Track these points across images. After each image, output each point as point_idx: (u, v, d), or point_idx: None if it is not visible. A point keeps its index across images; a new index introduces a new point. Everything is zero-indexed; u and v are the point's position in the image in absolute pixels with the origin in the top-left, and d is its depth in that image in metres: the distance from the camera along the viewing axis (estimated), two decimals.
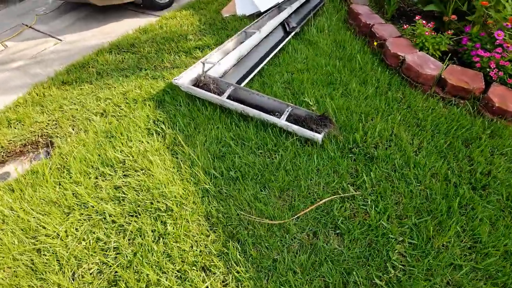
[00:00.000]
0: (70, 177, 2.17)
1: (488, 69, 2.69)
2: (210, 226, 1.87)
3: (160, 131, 2.47)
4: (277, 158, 2.22)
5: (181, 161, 2.23)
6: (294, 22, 3.73)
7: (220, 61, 2.88)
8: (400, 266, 1.74)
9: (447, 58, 2.89)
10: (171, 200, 1.97)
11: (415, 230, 1.89)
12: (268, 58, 3.08)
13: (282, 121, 2.35)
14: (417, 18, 3.11)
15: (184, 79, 2.71)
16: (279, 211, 1.93)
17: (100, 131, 2.49)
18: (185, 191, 2.03)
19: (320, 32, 3.61)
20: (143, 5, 4.25)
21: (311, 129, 2.31)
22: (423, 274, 1.71)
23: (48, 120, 2.67)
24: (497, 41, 2.72)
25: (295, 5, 3.84)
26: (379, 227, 1.89)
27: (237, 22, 3.82)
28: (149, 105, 2.71)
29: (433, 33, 2.97)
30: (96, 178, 2.17)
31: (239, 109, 2.49)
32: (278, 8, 3.87)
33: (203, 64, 2.84)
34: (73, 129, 2.57)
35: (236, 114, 2.53)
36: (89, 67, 3.29)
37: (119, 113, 2.67)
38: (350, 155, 2.27)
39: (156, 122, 2.55)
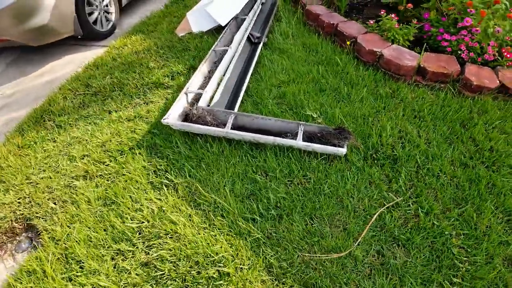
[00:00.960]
0: (81, 267, 1.71)
1: (459, 52, 2.83)
2: (276, 279, 1.62)
3: (168, 182, 2.09)
4: (311, 183, 2.03)
5: (209, 212, 1.91)
6: (256, 31, 3.53)
7: (206, 88, 2.57)
8: (464, 259, 1.72)
9: (415, 46, 2.99)
10: (221, 263, 1.66)
11: (461, 220, 1.88)
12: (249, 75, 2.84)
13: (299, 142, 2.16)
14: (382, 12, 3.14)
15: (173, 116, 2.35)
16: (338, 239, 1.76)
17: (93, 199, 2.03)
18: (232, 247, 1.73)
19: (286, 38, 3.46)
20: (83, 36, 3.65)
21: (333, 145, 2.17)
22: (484, 259, 1.71)
23: (18, 199, 2.10)
24: (460, 24, 2.86)
25: (251, 15, 3.63)
26: (433, 227, 1.84)
27: (197, 40, 3.48)
28: (139, 153, 2.29)
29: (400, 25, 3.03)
30: (113, 259, 1.74)
31: (247, 138, 2.23)
32: (236, 19, 3.63)
33: (186, 94, 2.50)
34: (55, 204, 2.06)
35: (246, 144, 2.27)
36: (45, 121, 2.69)
37: (107, 171, 2.21)
38: (375, 162, 2.18)
39: (157, 172, 2.16)
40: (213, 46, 3.11)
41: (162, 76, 3.01)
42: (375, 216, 1.86)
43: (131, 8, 4.55)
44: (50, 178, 2.20)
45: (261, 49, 3.22)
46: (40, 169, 2.28)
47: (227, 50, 3.03)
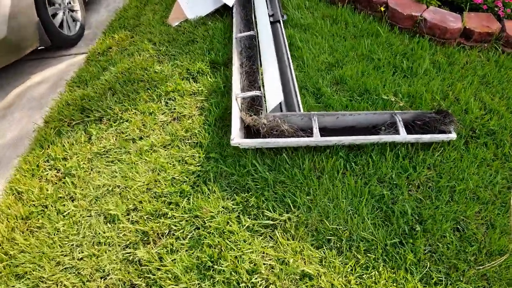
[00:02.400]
0: None
1: (496, 9, 2.54)
2: None
3: (269, 222, 1.51)
4: (433, 182, 1.62)
5: (346, 248, 1.40)
6: (267, 7, 2.86)
7: (255, 85, 1.94)
8: None
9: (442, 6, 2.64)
10: None
11: None
12: (290, 63, 2.25)
13: (407, 136, 1.71)
14: None
15: (236, 131, 1.71)
16: (495, 242, 1.40)
17: (179, 272, 1.38)
18: None
19: (301, 11, 2.87)
20: (52, 46, 2.64)
21: (442, 131, 1.75)
22: None
23: None
24: None
25: None
26: None
27: (201, 29, 2.72)
28: (210, 190, 1.65)
29: None
30: None
31: (344, 143, 1.71)
32: None
33: (238, 100, 1.86)
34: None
35: (340, 149, 1.74)
36: (45, 171, 1.84)
37: (175, 225, 1.54)
38: (477, 142, 1.83)
39: (248, 211, 1.56)
40: (233, 34, 2.42)
41: (180, 80, 2.27)
42: None
43: (94, 2, 3.49)
44: (94, 255, 1.48)
45: (283, 28, 2.60)
46: (72, 244, 1.53)
47: (253, 36, 2.36)
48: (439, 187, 1.64)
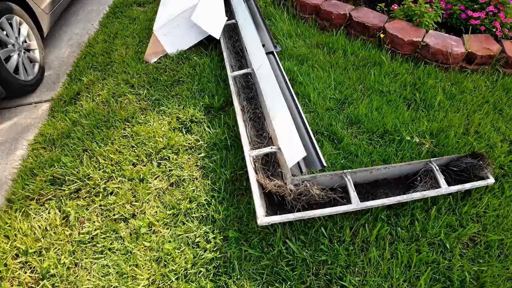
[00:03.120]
0: None
1: (494, 29, 2.49)
2: None
3: None
4: (487, 237, 1.42)
5: None
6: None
7: (269, 135, 1.66)
8: None
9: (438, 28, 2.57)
10: None
11: None
12: (297, 103, 2.00)
13: (448, 188, 1.52)
14: None
15: (258, 204, 1.41)
16: None
17: None
18: None
19: (291, 39, 2.65)
20: (5, 96, 2.15)
21: (480, 177, 1.59)
22: None
23: None
24: None
25: (242, 16, 2.67)
26: None
27: (186, 66, 2.39)
28: (240, 284, 1.32)
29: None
30: None
31: (384, 204, 1.48)
32: (228, 26, 2.62)
33: (252, 160, 1.56)
34: None
35: (379, 211, 1.50)
36: (19, 269, 1.41)
37: None
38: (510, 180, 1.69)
39: None
40: (227, 72, 2.12)
41: (171, 132, 1.92)
42: None
43: (53, 35, 3.01)
44: None
45: (279, 61, 2.35)
46: None
47: (250, 73, 2.09)
48: (488, 242, 1.47)
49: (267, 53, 2.40)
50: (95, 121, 2.01)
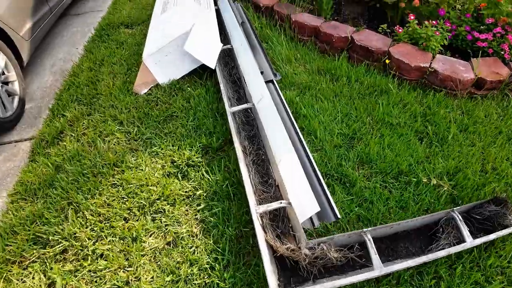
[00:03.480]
0: None
1: (502, 52, 2.39)
2: None
3: None
4: None
5: None
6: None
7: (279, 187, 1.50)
8: None
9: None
10: None
11: None
12: (303, 140, 1.84)
13: (473, 241, 1.39)
14: (411, 18, 2.45)
15: (273, 276, 1.25)
16: None
17: None
18: None
19: (290, 64, 2.50)
20: None
21: (504, 225, 1.46)
22: None
23: None
24: (488, 20, 2.42)
25: (238, 42, 2.51)
26: None
27: (179, 98, 2.21)
28: None
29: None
30: None
31: (408, 266, 1.33)
32: (223, 52, 2.45)
33: (260, 217, 1.40)
34: None
35: (404, 272, 1.35)
36: None
37: None
38: None
39: None
40: (225, 106, 1.95)
41: (166, 178, 1.74)
42: None
43: (34, 61, 2.80)
44: None
45: (280, 92, 2.19)
46: None
47: (250, 108, 1.93)
48: None
49: (266, 82, 2.25)
50: (80, 166, 1.81)
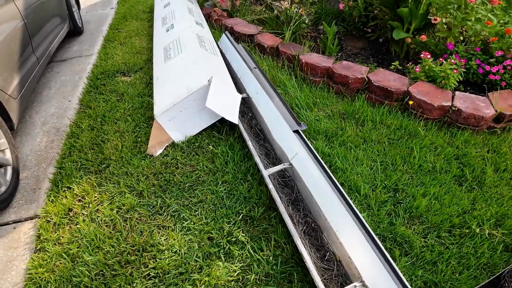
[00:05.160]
0: None
1: None
2: None
3: None
4: None
5: None
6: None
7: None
8: None
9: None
10: None
11: None
12: (348, 198, 1.70)
13: None
14: (428, 57, 2.44)
15: None
16: None
17: None
18: None
19: (313, 111, 2.40)
20: None
21: None
22: None
23: None
24: (497, 53, 2.47)
25: (253, 88, 2.38)
26: None
27: (200, 157, 2.02)
28: None
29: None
30: None
31: None
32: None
33: None
34: None
35: None
36: None
37: None
38: None
39: None
40: (260, 167, 1.78)
41: (208, 260, 1.52)
42: None
43: (23, 119, 2.48)
44: None
45: (307, 141, 2.06)
46: None
47: (286, 168, 1.78)
48: None
49: (294, 130, 2.12)
50: (102, 255, 1.55)
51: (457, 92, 2.34)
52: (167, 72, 2.42)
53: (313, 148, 1.95)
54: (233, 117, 2.02)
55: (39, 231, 1.71)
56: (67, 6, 3.71)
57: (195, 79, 2.15)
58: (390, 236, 1.63)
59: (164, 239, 1.62)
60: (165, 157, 2.04)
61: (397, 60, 2.86)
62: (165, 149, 2.10)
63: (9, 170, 2.00)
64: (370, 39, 3.22)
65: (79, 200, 1.84)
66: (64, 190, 1.90)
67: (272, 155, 2.01)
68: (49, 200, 1.86)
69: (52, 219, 1.75)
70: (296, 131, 2.11)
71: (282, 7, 3.78)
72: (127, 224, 1.69)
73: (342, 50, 3.12)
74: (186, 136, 2.15)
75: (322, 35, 3.41)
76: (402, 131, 2.23)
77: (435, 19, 2.60)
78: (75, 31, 3.91)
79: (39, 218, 1.79)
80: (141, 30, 3.87)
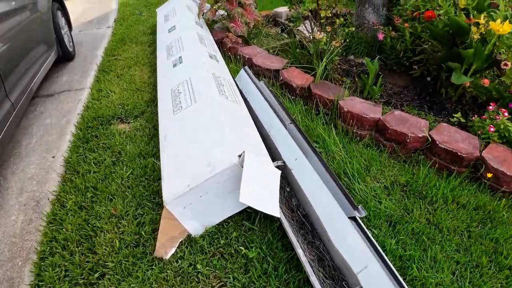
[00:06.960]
0: None
1: None
2: None
3: None
4: None
5: None
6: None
7: None
8: None
9: None
10: None
11: None
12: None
13: None
14: (501, 113, 1.91)
15: None
16: None
17: None
18: None
19: (367, 184, 1.85)
20: None
21: None
22: None
23: None
24: None
25: (293, 159, 1.82)
26: None
27: (229, 264, 1.45)
28: None
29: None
30: None
31: None
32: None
33: None
34: None
35: None
36: None
37: None
38: None
39: None
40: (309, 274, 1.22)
41: None
42: None
43: (4, 176, 1.90)
44: None
45: (368, 234, 1.51)
46: None
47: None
48: None
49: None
50: None
51: None
52: (178, 130, 1.84)
53: (378, 246, 1.40)
54: (274, 209, 1.46)
55: None
56: (55, 29, 3.09)
57: (219, 150, 1.58)
58: None
59: None
60: (179, 262, 1.46)
61: (449, 104, 2.37)
62: (178, 246, 1.52)
63: None
64: (413, 75, 2.68)
65: None
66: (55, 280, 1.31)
67: (327, 261, 1.45)
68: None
69: None
70: (352, 218, 1.55)
71: (304, 31, 3.22)
72: None
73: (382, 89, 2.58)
74: (205, 226, 1.58)
75: (355, 68, 2.86)
76: (481, 213, 1.70)
77: (505, 64, 2.08)
78: (64, 57, 3.29)
79: None
80: (141, 57, 3.27)
